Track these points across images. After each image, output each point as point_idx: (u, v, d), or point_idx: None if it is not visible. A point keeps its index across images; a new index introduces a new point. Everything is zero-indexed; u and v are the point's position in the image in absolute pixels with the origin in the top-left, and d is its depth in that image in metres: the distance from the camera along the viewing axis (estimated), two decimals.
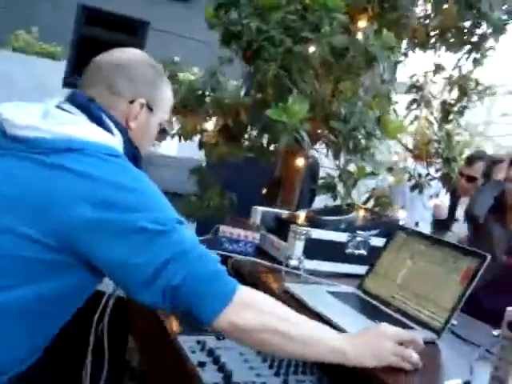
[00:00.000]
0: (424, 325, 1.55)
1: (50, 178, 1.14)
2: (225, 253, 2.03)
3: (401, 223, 2.16)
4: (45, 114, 1.22)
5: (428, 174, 3.29)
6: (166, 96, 1.44)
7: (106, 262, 1.17)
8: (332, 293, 1.75)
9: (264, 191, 3.06)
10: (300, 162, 2.63)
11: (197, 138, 2.94)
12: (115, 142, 1.27)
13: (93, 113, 1.27)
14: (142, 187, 1.20)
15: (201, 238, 2.37)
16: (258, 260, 2.02)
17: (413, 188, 3.26)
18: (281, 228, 2.15)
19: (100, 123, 1.26)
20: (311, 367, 1.47)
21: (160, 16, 8.47)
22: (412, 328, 1.54)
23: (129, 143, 1.33)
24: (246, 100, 2.65)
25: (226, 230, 2.11)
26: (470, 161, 3.28)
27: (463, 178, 3.27)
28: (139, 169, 1.27)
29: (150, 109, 1.38)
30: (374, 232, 2.11)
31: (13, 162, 1.18)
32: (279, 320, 1.19)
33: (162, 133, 1.47)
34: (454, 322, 1.64)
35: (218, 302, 1.15)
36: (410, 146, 3.33)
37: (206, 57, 3.07)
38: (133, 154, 1.35)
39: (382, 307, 1.69)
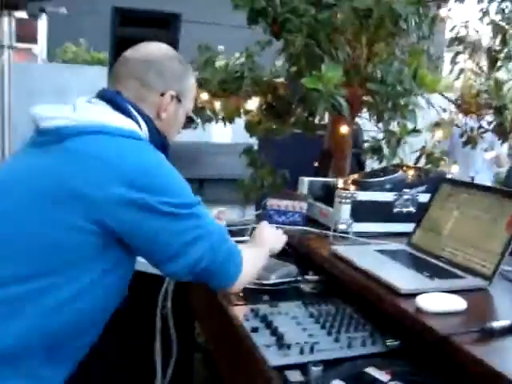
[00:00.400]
0: (474, 273, 1.55)
1: (75, 163, 1.21)
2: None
3: (448, 176, 2.13)
4: (74, 107, 1.30)
5: (480, 127, 3.19)
6: (192, 86, 1.52)
7: (135, 239, 1.25)
8: (380, 251, 1.77)
9: (316, 164, 3.07)
10: (344, 129, 2.62)
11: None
12: (138, 128, 1.33)
13: (118, 104, 1.33)
14: (164, 171, 1.27)
15: (253, 213, 2.43)
16: (306, 228, 2.05)
17: (465, 143, 3.17)
18: (328, 195, 2.17)
19: (125, 113, 1.32)
20: (364, 324, 1.50)
21: (190, 6, 8.50)
22: (462, 277, 1.54)
23: (156, 132, 1.40)
24: (282, 74, 2.66)
25: (273, 202, 2.16)
26: None
27: None
28: (166, 156, 1.34)
29: (179, 100, 1.45)
30: (421, 188, 2.10)
31: (43, 154, 1.25)
32: (254, 260, 1.50)
33: (189, 121, 1.56)
34: (508, 268, 1.62)
35: (232, 276, 1.38)
36: (458, 102, 3.23)
37: (244, 42, 3.10)
38: (161, 142, 1.41)
39: (432, 260, 1.69)
